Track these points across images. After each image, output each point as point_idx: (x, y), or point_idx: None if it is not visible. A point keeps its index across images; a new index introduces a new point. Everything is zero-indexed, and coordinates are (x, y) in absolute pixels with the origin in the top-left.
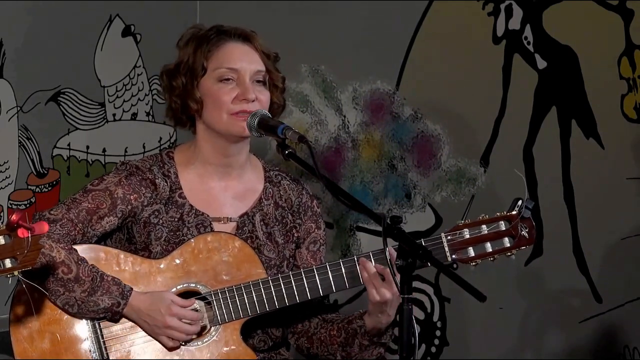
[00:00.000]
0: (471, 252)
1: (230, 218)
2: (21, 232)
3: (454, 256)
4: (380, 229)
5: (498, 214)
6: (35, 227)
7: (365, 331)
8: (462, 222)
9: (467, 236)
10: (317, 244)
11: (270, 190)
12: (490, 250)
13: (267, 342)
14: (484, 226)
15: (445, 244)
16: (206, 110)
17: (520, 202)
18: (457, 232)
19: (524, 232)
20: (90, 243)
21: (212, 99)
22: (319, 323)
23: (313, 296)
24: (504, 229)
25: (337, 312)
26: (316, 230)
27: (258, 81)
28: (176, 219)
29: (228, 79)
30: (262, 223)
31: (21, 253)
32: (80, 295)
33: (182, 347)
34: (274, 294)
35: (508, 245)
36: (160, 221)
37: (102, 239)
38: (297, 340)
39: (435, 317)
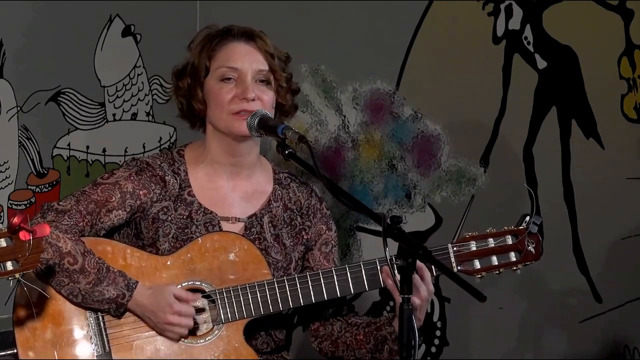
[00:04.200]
0: (477, 264)
1: (239, 218)
2: (23, 235)
3: (459, 267)
4: (380, 229)
5: (505, 228)
6: (36, 230)
7: (396, 337)
8: (469, 234)
9: (474, 248)
10: (328, 245)
11: (279, 192)
12: (496, 263)
13: (270, 344)
14: (490, 239)
15: (451, 255)
16: (209, 110)
17: (528, 218)
18: (464, 243)
19: (530, 248)
20: (98, 236)
21: (214, 98)
22: (342, 326)
23: (317, 300)
24: (510, 243)
25: (355, 310)
26: (327, 231)
27: (261, 81)
28: (185, 217)
29: (229, 78)
30: (270, 225)
31: (22, 255)
32: (85, 286)
33: (184, 344)
34: (278, 296)
35: (514, 259)
36: (169, 218)
37: (110, 234)
38: (320, 344)
39: (435, 317)
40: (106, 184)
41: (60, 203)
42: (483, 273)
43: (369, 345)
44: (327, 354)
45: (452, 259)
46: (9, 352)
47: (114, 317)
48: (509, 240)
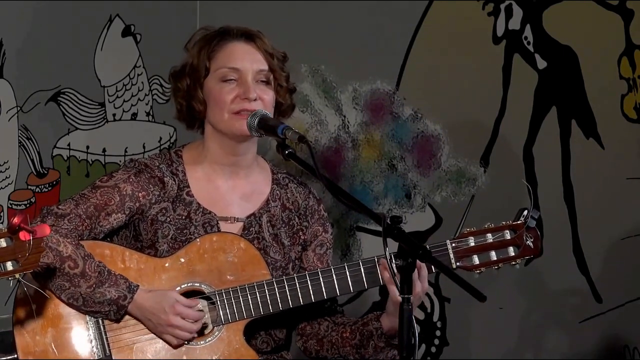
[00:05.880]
0: (476, 259)
1: (237, 218)
2: (23, 235)
3: (458, 263)
4: (380, 229)
5: (504, 222)
6: (37, 230)
7: (382, 333)
8: (468, 229)
9: (472, 244)
10: (323, 247)
11: (277, 192)
12: (495, 258)
13: (269, 344)
14: (489, 234)
15: (450, 251)
16: (210, 111)
17: (525, 212)
18: (462, 239)
19: (529, 242)
20: (97, 239)
21: (214, 99)
22: (329, 326)
23: (317, 299)
24: (509, 238)
25: (344, 314)
26: (323, 233)
27: (262, 81)
28: (183, 217)
29: (230, 79)
30: (268, 224)
31: (23, 256)
32: (86, 290)
33: (184, 346)
34: (277, 296)
35: (513, 254)
36: (168, 219)
37: (109, 236)
38: (305, 343)
39: (435, 317)
40: (105, 187)
41: (60, 207)
42: (482, 268)
43: (354, 341)
44: (311, 353)
45: (451, 255)
46: (9, 357)
47: (114, 321)
48: (507, 235)
